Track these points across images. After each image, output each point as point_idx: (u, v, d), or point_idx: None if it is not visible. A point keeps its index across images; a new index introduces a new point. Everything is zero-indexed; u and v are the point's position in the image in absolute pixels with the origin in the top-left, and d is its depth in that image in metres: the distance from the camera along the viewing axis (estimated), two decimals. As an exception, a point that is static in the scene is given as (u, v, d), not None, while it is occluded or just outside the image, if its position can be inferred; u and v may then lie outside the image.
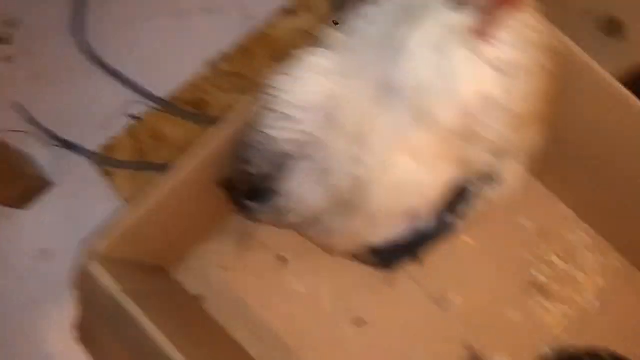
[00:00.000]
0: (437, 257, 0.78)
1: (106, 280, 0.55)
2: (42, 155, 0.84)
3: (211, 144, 0.58)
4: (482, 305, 0.80)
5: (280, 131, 0.55)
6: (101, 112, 0.86)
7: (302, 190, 0.57)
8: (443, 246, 0.76)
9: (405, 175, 0.57)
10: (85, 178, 0.83)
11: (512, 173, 0.63)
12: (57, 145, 0.84)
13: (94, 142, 0.84)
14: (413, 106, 0.55)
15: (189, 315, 0.74)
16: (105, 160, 0.84)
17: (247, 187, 0.60)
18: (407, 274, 0.80)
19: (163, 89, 0.86)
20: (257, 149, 0.57)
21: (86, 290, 0.57)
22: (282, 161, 0.56)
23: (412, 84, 0.53)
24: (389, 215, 0.61)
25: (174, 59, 0.89)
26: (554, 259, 0.82)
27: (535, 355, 0.79)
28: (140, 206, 0.58)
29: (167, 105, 0.86)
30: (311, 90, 0.55)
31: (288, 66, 0.56)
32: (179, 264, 0.79)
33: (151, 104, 0.86)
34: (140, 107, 0.86)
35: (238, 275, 0.80)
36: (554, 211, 0.84)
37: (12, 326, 0.81)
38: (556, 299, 0.81)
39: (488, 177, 0.62)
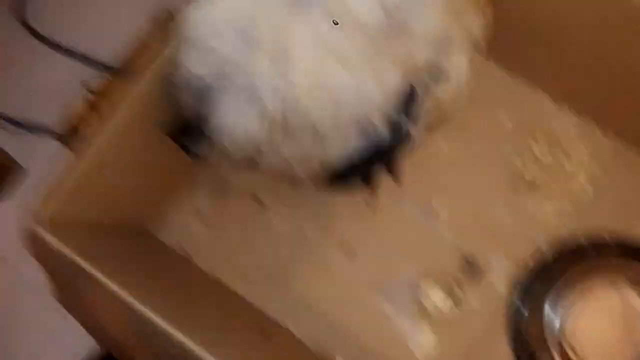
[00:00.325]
0: (415, 171, 0.76)
1: (55, 244, 0.54)
2: (5, 142, 0.84)
3: (140, 89, 0.57)
4: (470, 210, 0.77)
5: (198, 63, 0.53)
6: (58, 90, 0.84)
7: (234, 121, 0.55)
8: (419, 158, 0.74)
9: (338, 84, 0.54)
10: (54, 158, 0.83)
11: (459, 65, 0.60)
12: (19, 131, 0.83)
13: (56, 121, 0.83)
14: (330, 9, 0.52)
15: (172, 273, 0.74)
16: (70, 138, 0.83)
17: (183, 128, 0.59)
18: (388, 194, 0.77)
19: (115, 55, 0.84)
20: (181, 86, 0.55)
21: (40, 256, 0.57)
22: (207, 94, 0.54)
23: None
24: (335, 130, 0.58)
25: (120, 24, 0.86)
26: (539, 151, 0.78)
27: (537, 253, 0.76)
28: (81, 159, 0.56)
29: (122, 71, 0.84)
30: (222, 14, 0.53)
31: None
32: (157, 223, 0.79)
33: (106, 72, 0.84)
34: (97, 78, 0.84)
35: (218, 225, 0.79)
36: (531, 100, 0.80)
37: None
38: (547, 193, 0.77)
39: (433, 74, 0.59)
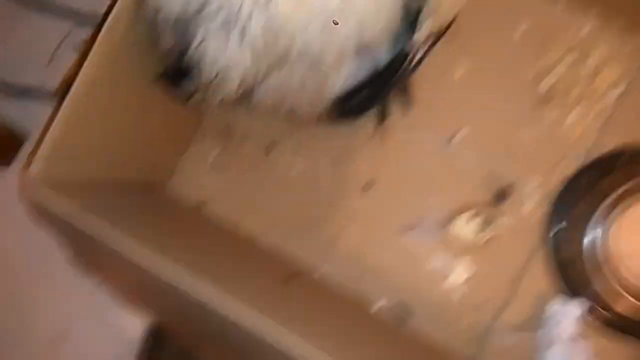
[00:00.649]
0: (428, 94, 0.71)
1: (55, 205, 0.52)
2: (7, 110, 0.82)
3: (115, 35, 0.53)
4: (491, 131, 0.72)
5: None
6: (49, 51, 0.82)
7: (216, 51, 0.51)
8: (428, 82, 0.70)
9: (326, 5, 0.50)
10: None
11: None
12: (17, 97, 0.81)
13: (52, 84, 0.81)
14: None
15: (186, 226, 0.72)
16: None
17: (169, 70, 0.55)
18: (402, 122, 0.72)
19: (100, 4, 0.81)
20: (160, 25, 0.51)
21: (45, 220, 0.55)
22: (187, 29, 0.50)
23: None
24: (328, 55, 0.54)
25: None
26: (558, 59, 0.72)
27: (568, 169, 0.71)
28: (60, 114, 0.53)
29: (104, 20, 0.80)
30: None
31: None
32: (165, 175, 0.76)
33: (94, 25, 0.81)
34: (86, 32, 0.81)
35: (231, 174, 0.76)
36: (542, 8, 0.73)
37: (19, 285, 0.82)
38: (572, 102, 0.71)
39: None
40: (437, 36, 0.62)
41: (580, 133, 0.70)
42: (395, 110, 0.70)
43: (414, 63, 0.61)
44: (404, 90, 0.67)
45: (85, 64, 0.53)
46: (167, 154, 0.75)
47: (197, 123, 0.76)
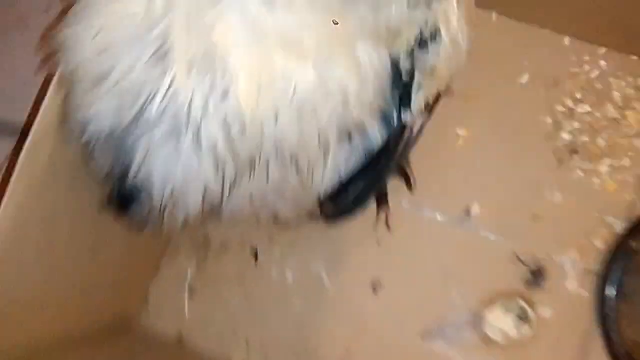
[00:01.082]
0: (430, 167, 0.60)
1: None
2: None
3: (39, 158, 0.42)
4: (514, 200, 0.61)
5: (98, 102, 0.38)
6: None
7: (172, 167, 0.40)
8: (430, 152, 0.59)
9: (293, 83, 0.40)
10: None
11: (448, 13, 0.44)
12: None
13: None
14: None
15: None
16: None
17: (114, 198, 0.44)
18: (405, 206, 0.62)
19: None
20: (89, 142, 0.41)
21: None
22: (123, 143, 0.39)
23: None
24: (313, 147, 0.43)
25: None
26: (576, 104, 0.62)
27: (605, 234, 0.60)
28: None
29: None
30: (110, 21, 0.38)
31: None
32: (141, 310, 0.64)
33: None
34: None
35: (214, 292, 0.64)
36: (549, 45, 0.63)
37: None
38: (599, 153, 0.61)
39: (417, 36, 0.44)
40: (436, 99, 0.51)
41: (617, 188, 0.60)
42: (395, 193, 0.59)
43: (413, 136, 0.50)
44: (404, 169, 0.57)
45: (6, 198, 0.42)
46: (135, 283, 0.63)
47: (165, 240, 0.65)
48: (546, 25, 0.63)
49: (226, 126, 0.39)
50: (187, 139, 0.39)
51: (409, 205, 0.60)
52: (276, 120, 0.41)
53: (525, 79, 0.63)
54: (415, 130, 0.51)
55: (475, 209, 0.61)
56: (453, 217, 0.61)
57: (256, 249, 0.63)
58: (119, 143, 0.39)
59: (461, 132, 0.62)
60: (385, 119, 0.48)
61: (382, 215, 0.60)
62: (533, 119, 0.62)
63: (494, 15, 0.63)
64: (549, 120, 0.62)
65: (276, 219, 0.51)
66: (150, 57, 0.38)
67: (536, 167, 0.61)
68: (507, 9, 0.63)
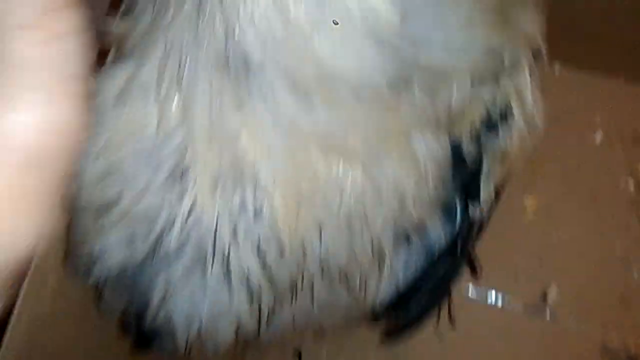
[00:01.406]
0: (497, 250, 0.52)
1: None
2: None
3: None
4: (596, 281, 0.53)
5: (105, 235, 0.32)
6: None
7: (197, 304, 0.33)
8: (495, 231, 0.51)
9: (340, 191, 0.32)
10: None
11: (522, 90, 0.37)
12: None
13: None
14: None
15: None
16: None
17: (133, 340, 0.37)
18: (469, 296, 0.53)
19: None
20: (98, 281, 0.34)
21: None
22: (137, 281, 0.33)
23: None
24: (365, 259, 0.36)
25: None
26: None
27: None
28: None
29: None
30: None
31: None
32: None
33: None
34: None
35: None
36: (624, 96, 0.56)
37: None
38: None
39: (485, 121, 0.36)
40: (501, 185, 0.44)
41: None
42: (458, 281, 0.51)
43: (478, 229, 0.43)
44: (468, 259, 0.49)
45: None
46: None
47: None
48: (618, 74, 0.55)
49: (260, 252, 0.33)
50: (214, 271, 0.33)
51: (474, 294, 0.52)
52: (320, 236, 0.34)
53: (599, 136, 0.55)
54: (480, 222, 0.43)
55: (553, 293, 0.52)
56: (527, 304, 0.53)
57: (300, 350, 0.56)
58: (133, 282, 0.32)
59: (529, 202, 0.54)
60: (448, 211, 0.41)
61: (444, 308, 0.52)
62: (612, 182, 0.54)
63: (557, 67, 0.56)
64: (631, 182, 0.54)
65: (322, 331, 0.44)
66: (166, 177, 0.32)
67: (621, 238, 0.53)
68: (571, 58, 0.55)
